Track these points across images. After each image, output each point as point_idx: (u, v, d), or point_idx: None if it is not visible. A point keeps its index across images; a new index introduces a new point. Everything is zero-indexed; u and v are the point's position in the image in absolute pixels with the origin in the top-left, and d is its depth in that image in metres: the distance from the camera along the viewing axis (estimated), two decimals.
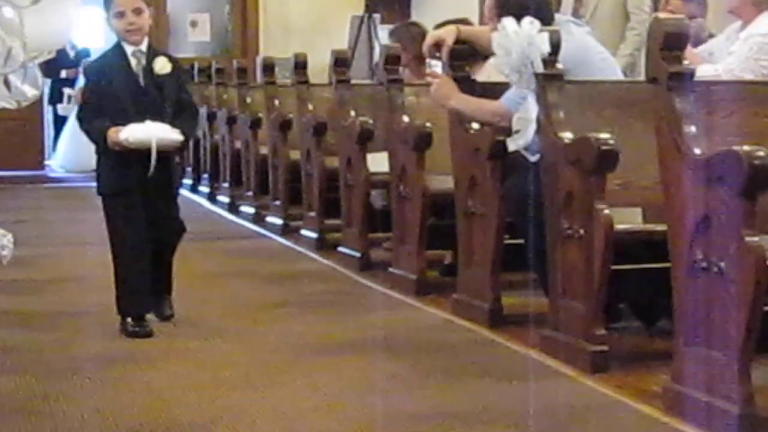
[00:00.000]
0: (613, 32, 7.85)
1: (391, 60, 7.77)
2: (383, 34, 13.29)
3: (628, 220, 5.18)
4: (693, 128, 4.52)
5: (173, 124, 5.60)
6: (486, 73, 6.63)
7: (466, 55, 6.56)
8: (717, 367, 4.33)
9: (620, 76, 6.76)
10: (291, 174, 9.67)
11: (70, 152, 15.46)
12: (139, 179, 5.61)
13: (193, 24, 15.88)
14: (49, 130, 16.23)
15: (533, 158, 5.58)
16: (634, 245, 5.07)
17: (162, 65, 5.63)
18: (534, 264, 5.80)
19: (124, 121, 5.47)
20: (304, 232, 9.23)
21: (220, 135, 12.44)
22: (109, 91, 5.61)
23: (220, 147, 12.31)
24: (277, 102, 10.31)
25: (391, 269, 7.38)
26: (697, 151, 4.44)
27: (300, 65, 10.00)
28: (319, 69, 10.29)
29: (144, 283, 5.72)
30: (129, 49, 5.64)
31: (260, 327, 6.16)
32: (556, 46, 5.55)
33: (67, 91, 15.83)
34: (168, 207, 5.94)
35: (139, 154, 5.51)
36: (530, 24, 5.59)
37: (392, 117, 7.38)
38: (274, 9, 14.97)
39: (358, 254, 7.88)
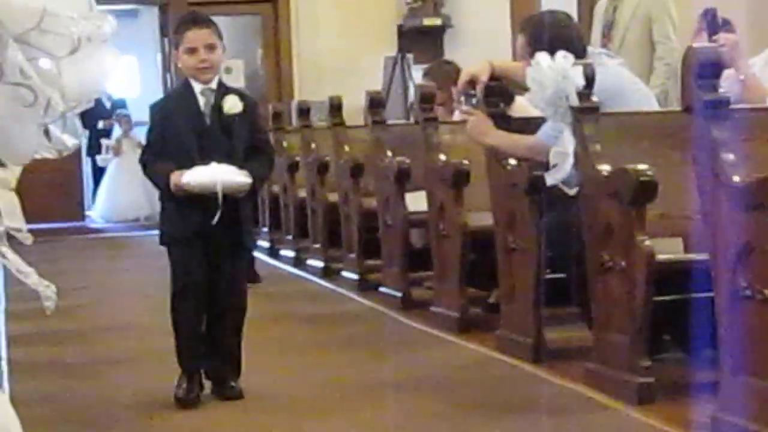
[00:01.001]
0: (641, 63, 7.87)
1: (426, 99, 7.81)
2: (417, 74, 13.35)
3: (669, 250, 5.16)
4: (731, 156, 4.52)
5: (243, 167, 5.01)
6: (521, 108, 6.63)
7: (501, 91, 6.58)
8: (761, 396, 4.31)
9: (656, 107, 6.76)
10: (330, 216, 9.69)
11: (109, 202, 15.58)
12: (203, 228, 5.02)
13: (228, 70, 15.87)
14: (88, 180, 16.31)
15: (572, 192, 5.59)
16: (676, 275, 5.05)
17: (232, 104, 5.02)
18: (576, 297, 5.79)
19: (189, 165, 4.95)
20: (344, 273, 9.24)
21: None
22: (173, 133, 5.11)
23: (258, 191, 12.30)
24: (313, 145, 10.36)
25: (432, 308, 7.37)
26: (736, 178, 4.44)
27: (335, 107, 10.04)
28: (354, 110, 10.30)
29: (197, 337, 5.22)
30: (198, 88, 5.10)
31: (305, 369, 6.16)
32: (590, 79, 5.56)
33: (104, 142, 15.96)
34: (234, 270, 5.29)
35: (204, 200, 4.95)
36: (564, 58, 5.60)
37: (429, 156, 7.39)
38: (306, 52, 15.00)
39: (399, 294, 7.88)
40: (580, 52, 5.95)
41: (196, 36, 5.06)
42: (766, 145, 4.79)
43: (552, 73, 5.58)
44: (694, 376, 5.43)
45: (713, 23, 6.12)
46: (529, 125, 6.17)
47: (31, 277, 3.75)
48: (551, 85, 5.58)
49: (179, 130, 5.04)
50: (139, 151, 15.61)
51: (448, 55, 12.60)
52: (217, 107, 5.00)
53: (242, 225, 5.13)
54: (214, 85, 5.08)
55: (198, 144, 4.98)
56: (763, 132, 4.87)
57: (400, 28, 14.77)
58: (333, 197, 9.63)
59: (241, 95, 5.16)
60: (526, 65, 5.98)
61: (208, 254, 5.08)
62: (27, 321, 7.01)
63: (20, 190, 4.43)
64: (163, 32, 15.31)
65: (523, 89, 6.22)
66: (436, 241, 7.28)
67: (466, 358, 6.25)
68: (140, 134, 15.98)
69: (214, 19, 16.72)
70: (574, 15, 10.82)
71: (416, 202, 7.75)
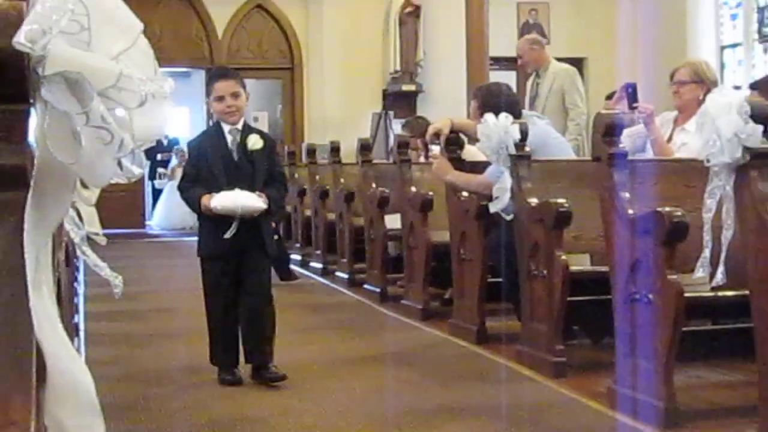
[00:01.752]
0: (558, 123, 7.92)
1: (402, 145, 7.96)
2: (396, 126, 13.39)
3: (580, 263, 5.18)
4: (627, 194, 4.54)
5: (262, 192, 4.84)
6: (472, 154, 6.65)
7: (457, 141, 6.61)
8: (646, 373, 4.32)
9: (572, 156, 6.81)
10: (328, 230, 9.70)
11: (164, 215, 15.66)
12: (232, 245, 4.79)
13: (255, 119, 15.93)
14: (148, 198, 16.30)
15: (508, 218, 5.59)
16: (584, 282, 5.07)
17: (254, 142, 4.88)
18: (509, 296, 5.80)
19: (218, 191, 4.77)
20: (338, 273, 9.22)
21: None
22: (206, 165, 4.90)
23: (274, 213, 12.36)
24: (317, 177, 10.39)
25: (403, 301, 7.38)
26: (630, 211, 4.46)
27: (334, 149, 10.13)
28: (349, 152, 10.32)
29: (231, 339, 4.90)
30: (226, 128, 4.95)
31: (307, 343, 6.17)
32: (524, 134, 5.59)
33: (160, 170, 16.05)
34: (254, 270, 4.96)
35: (230, 219, 4.74)
36: (505, 118, 5.63)
37: (403, 187, 7.43)
38: (314, 108, 15.00)
39: (378, 290, 7.88)
40: (517, 114, 5.98)
41: (223, 86, 4.96)
42: (654, 187, 4.80)
43: (496, 129, 5.60)
44: (597, 357, 5.46)
45: (633, 95, 6.10)
46: (478, 167, 6.20)
47: (104, 270, 3.75)
48: (496, 138, 5.60)
49: (211, 163, 4.89)
50: None
51: (419, 113, 12.59)
52: (242, 144, 4.88)
53: (264, 237, 4.91)
54: (239, 126, 4.96)
55: (226, 174, 4.84)
56: (652, 177, 4.89)
57: (384, 92, 14.79)
58: (331, 216, 9.63)
59: (261, 134, 5.06)
60: (478, 122, 6.00)
61: (238, 263, 4.89)
62: (100, 302, 6.98)
63: (97, 204, 4.41)
64: (208, 88, 15.31)
65: (475, 140, 6.23)
66: (407, 251, 7.30)
67: (427, 339, 6.24)
68: None
69: (247, 81, 16.77)
70: (514, 86, 10.90)
71: (393, 221, 7.77)
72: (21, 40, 1.19)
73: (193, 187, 4.92)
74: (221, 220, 4.74)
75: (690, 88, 5.91)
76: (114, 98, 1.25)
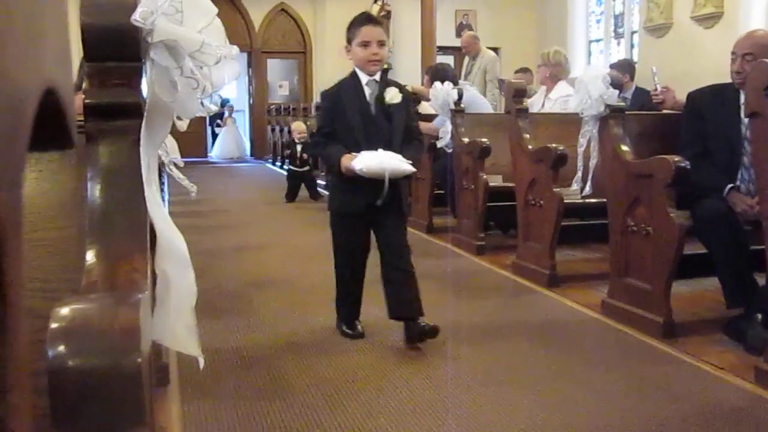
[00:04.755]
0: (482, 90, 7.93)
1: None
2: None
3: (495, 181, 5.20)
4: (527, 136, 4.54)
5: (403, 154, 3.20)
6: (425, 108, 6.61)
7: (416, 100, 6.56)
8: (537, 251, 4.38)
9: (491, 111, 6.79)
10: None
11: (219, 149, 15.58)
12: (368, 205, 3.24)
13: (281, 86, 15.78)
14: (209, 138, 16.10)
15: (449, 150, 5.59)
16: (498, 193, 5.08)
17: (393, 95, 3.28)
18: (448, 202, 5.83)
19: (356, 148, 3.18)
20: None
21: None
22: (343, 118, 3.27)
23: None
24: None
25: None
26: (529, 147, 4.47)
27: None
28: None
29: (357, 296, 3.43)
30: (364, 79, 3.32)
31: (319, 233, 6.17)
32: (460, 96, 5.57)
33: (218, 121, 15.90)
34: (396, 230, 3.34)
35: (369, 181, 3.15)
36: (448, 85, 5.61)
37: None
38: (319, 78, 14.87)
39: None
40: (455, 83, 5.93)
41: (371, 31, 3.31)
42: (546, 131, 4.80)
43: (442, 93, 5.57)
44: (505, 242, 5.49)
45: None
46: (430, 118, 6.16)
47: (185, 181, 3.73)
48: (441, 98, 5.58)
49: (348, 117, 3.26)
50: (232, 125, 15.76)
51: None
52: (381, 98, 3.28)
53: (401, 198, 3.31)
54: (377, 77, 3.33)
55: (364, 130, 3.25)
56: (545, 124, 4.89)
57: None
58: None
59: (399, 87, 3.36)
60: (429, 89, 5.97)
61: (372, 222, 3.31)
62: (177, 205, 6.96)
63: (177, 139, 4.35)
64: (249, 66, 15.12)
65: (427, 100, 6.20)
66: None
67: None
68: (235, 115, 15.94)
69: (274, 61, 16.26)
70: (453, 65, 10.82)
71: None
72: (136, 17, 1.18)
73: (329, 143, 3.29)
74: (359, 181, 3.17)
75: (542, 69, 5.98)
76: (198, 59, 1.25)
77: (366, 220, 3.29)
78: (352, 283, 3.42)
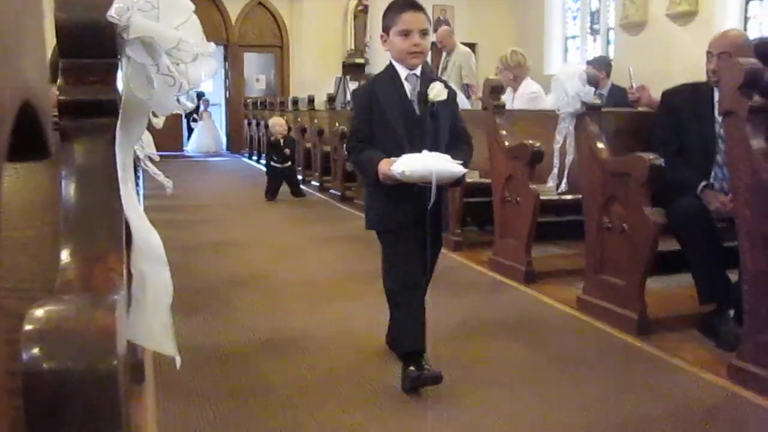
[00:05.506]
0: (457, 86, 7.95)
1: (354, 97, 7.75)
2: (352, 85, 13.30)
3: (473, 177, 5.20)
4: (504, 132, 4.55)
5: (451, 155, 2.65)
6: None
7: None
8: (514, 248, 4.39)
9: (469, 107, 6.81)
10: (306, 152, 9.61)
11: (195, 143, 15.48)
12: (416, 215, 2.70)
13: (258, 80, 15.69)
14: (184, 132, 15.93)
15: None
16: (475, 189, 5.09)
17: (438, 91, 2.71)
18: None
19: (398, 152, 2.64)
20: (313, 182, 9.18)
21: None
22: (382, 119, 2.73)
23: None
24: (299, 119, 10.26)
25: (355, 200, 7.40)
26: (506, 143, 4.48)
27: (310, 101, 10.05)
28: (320, 102, 10.23)
29: (421, 319, 2.71)
30: (403, 73, 2.77)
31: (299, 228, 6.16)
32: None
33: (194, 116, 15.71)
34: (436, 236, 2.84)
35: (413, 188, 2.64)
36: None
37: None
38: (296, 73, 14.83)
39: (339, 193, 7.88)
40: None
41: (412, 18, 2.73)
42: (520, 126, 4.82)
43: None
44: (480, 238, 5.49)
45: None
46: None
47: (160, 176, 3.69)
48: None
49: (388, 117, 2.73)
50: (208, 119, 15.65)
51: (365, 79, 12.48)
52: (424, 94, 2.73)
53: (442, 216, 2.84)
54: (418, 71, 2.78)
55: (407, 131, 2.72)
56: (520, 121, 4.90)
57: (343, 63, 14.60)
58: (307, 145, 9.58)
59: (444, 83, 2.80)
60: None
61: (417, 233, 2.75)
62: (153, 199, 6.89)
63: (152, 133, 4.31)
64: (226, 59, 15.02)
65: None
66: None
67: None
68: (211, 109, 15.82)
69: (251, 55, 16.10)
70: (429, 60, 10.83)
71: None
72: (112, 14, 1.16)
73: (366, 149, 2.74)
74: (403, 188, 2.65)
75: (504, 74, 5.98)
76: (175, 56, 1.24)
77: (414, 232, 2.73)
78: (417, 308, 2.71)
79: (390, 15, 2.77)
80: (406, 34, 2.73)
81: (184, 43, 1.20)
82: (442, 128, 2.74)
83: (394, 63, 2.79)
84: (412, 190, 2.65)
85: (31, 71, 0.53)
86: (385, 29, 2.79)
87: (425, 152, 2.58)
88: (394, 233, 2.76)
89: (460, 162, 2.60)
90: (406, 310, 2.73)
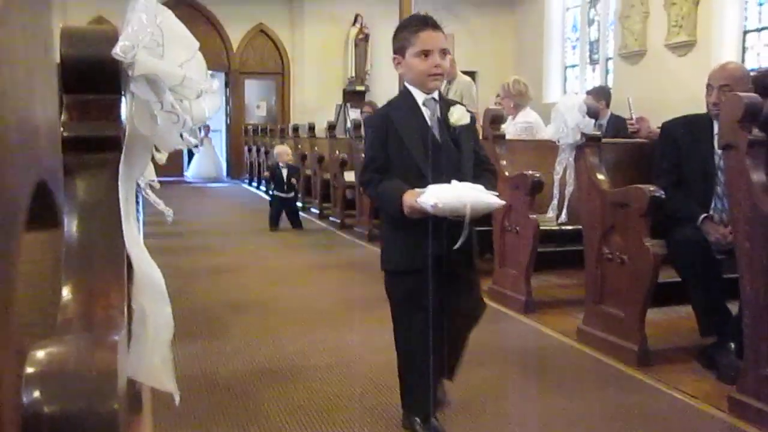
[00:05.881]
0: None
1: (356, 126, 7.77)
2: (352, 113, 13.35)
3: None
4: (505, 162, 4.57)
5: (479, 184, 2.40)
6: None
7: None
8: (515, 277, 4.39)
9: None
10: (306, 179, 9.57)
11: (196, 169, 15.45)
12: (440, 254, 2.41)
13: (258, 106, 15.77)
14: (185, 156, 15.94)
15: None
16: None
17: (460, 116, 2.49)
18: None
19: (420, 183, 2.38)
20: (312, 209, 9.18)
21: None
22: (399, 148, 2.46)
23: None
24: (299, 146, 10.27)
25: (355, 228, 7.40)
26: (507, 173, 4.49)
27: (311, 128, 10.06)
28: (320, 129, 10.25)
29: (431, 377, 2.48)
30: (420, 97, 2.51)
31: (297, 255, 6.16)
32: None
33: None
34: (468, 283, 2.58)
35: (441, 223, 2.37)
36: None
37: (357, 154, 7.37)
38: (297, 99, 14.89)
39: (338, 220, 7.87)
40: None
41: (431, 37, 2.48)
42: (523, 158, 4.82)
43: None
44: (482, 267, 5.48)
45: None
46: None
47: (161, 205, 3.68)
48: None
49: (407, 144, 2.45)
50: (209, 144, 15.66)
51: (368, 106, 12.55)
52: (444, 119, 2.49)
53: (473, 244, 2.51)
54: (436, 95, 2.54)
55: (428, 159, 2.43)
56: (521, 150, 4.91)
57: (344, 90, 14.68)
58: (307, 172, 9.57)
59: (465, 106, 2.60)
60: None
61: (440, 279, 2.44)
62: (153, 225, 6.89)
63: (153, 161, 4.30)
64: (227, 86, 15.07)
65: None
66: (358, 196, 7.29)
67: (370, 253, 6.21)
68: (211, 135, 15.83)
69: (252, 81, 16.15)
70: None
71: (349, 176, 7.74)
72: (117, 51, 1.17)
73: (383, 180, 2.47)
74: (425, 223, 2.36)
75: (506, 101, 5.99)
76: (179, 93, 1.24)
77: (435, 276, 2.42)
78: (426, 362, 2.46)
79: (404, 34, 2.52)
80: (425, 54, 2.48)
81: (189, 81, 1.21)
82: (465, 155, 2.49)
83: (410, 87, 2.54)
84: (441, 225, 2.36)
85: (44, 150, 0.54)
86: (399, 50, 2.54)
87: (455, 182, 2.31)
88: (410, 276, 2.44)
89: (495, 193, 2.35)
90: (418, 368, 2.48)
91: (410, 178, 2.42)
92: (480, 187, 2.33)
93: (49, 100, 0.53)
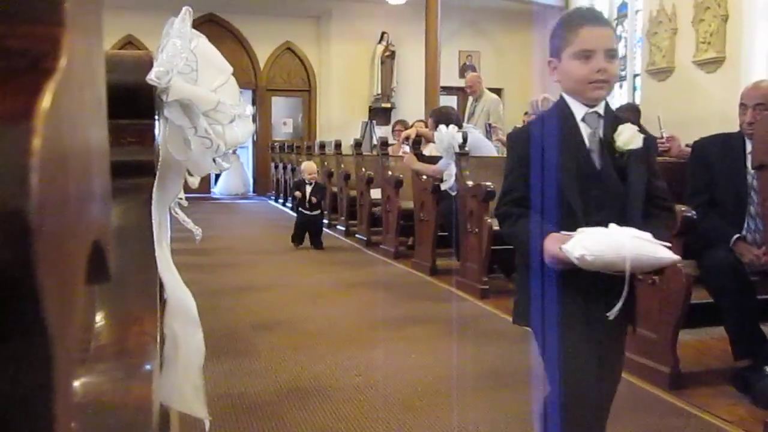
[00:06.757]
0: (484, 133, 7.95)
1: (382, 143, 7.81)
2: (378, 130, 13.39)
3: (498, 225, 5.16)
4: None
5: (649, 230, 1.75)
6: (430, 150, 6.64)
7: (420, 141, 6.64)
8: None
9: (495, 154, 6.79)
10: (333, 197, 9.55)
11: (223, 185, 15.52)
12: (590, 315, 1.85)
13: (285, 123, 15.86)
14: (212, 173, 16.04)
15: (453, 193, 5.59)
16: (501, 236, 5.05)
17: (630, 137, 1.84)
18: (453, 245, 5.81)
19: (567, 224, 1.79)
20: (338, 227, 9.18)
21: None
22: (547, 174, 1.81)
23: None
24: (326, 163, 10.29)
25: (381, 246, 7.38)
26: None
27: (337, 145, 10.06)
28: (346, 147, 10.29)
29: None
30: (579, 111, 1.90)
31: (324, 273, 6.16)
32: (465, 139, 5.59)
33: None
34: (620, 349, 2.00)
35: (599, 279, 1.77)
36: (453, 128, 5.63)
37: (383, 171, 7.37)
38: (323, 117, 14.98)
39: (365, 238, 7.86)
40: (460, 125, 5.97)
41: (595, 35, 1.88)
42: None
43: (447, 135, 5.59)
44: (507, 286, 5.47)
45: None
46: (434, 160, 6.18)
47: (189, 224, 3.71)
48: (446, 141, 5.59)
49: (558, 170, 1.85)
50: (236, 161, 15.76)
51: (393, 122, 12.60)
52: (609, 141, 1.88)
53: (634, 305, 1.96)
54: (601, 109, 1.92)
55: (584, 193, 1.86)
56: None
57: (370, 107, 14.74)
58: (335, 189, 9.58)
59: (640, 126, 1.93)
60: (434, 130, 5.99)
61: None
62: (180, 242, 6.91)
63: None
64: (254, 103, 15.18)
65: (432, 142, 6.23)
66: (385, 214, 7.27)
67: (397, 272, 6.24)
68: (239, 152, 15.94)
69: (278, 98, 16.26)
70: (455, 106, 10.94)
71: (375, 194, 7.74)
72: (152, 77, 1.17)
73: (524, 216, 1.91)
74: (576, 273, 1.77)
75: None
76: (213, 117, 1.24)
77: (591, 328, 1.89)
78: (600, 422, 2.03)
79: (562, 33, 1.96)
80: (587, 55, 1.89)
81: (222, 105, 1.21)
82: (634, 190, 1.88)
83: (567, 98, 1.97)
84: (595, 283, 1.81)
85: (97, 212, 0.53)
86: (555, 52, 1.97)
87: (613, 226, 1.77)
88: (570, 330, 1.87)
89: (666, 244, 1.77)
90: (591, 426, 1.98)
91: (558, 216, 1.85)
92: (647, 236, 1.75)
93: (103, 156, 0.53)
